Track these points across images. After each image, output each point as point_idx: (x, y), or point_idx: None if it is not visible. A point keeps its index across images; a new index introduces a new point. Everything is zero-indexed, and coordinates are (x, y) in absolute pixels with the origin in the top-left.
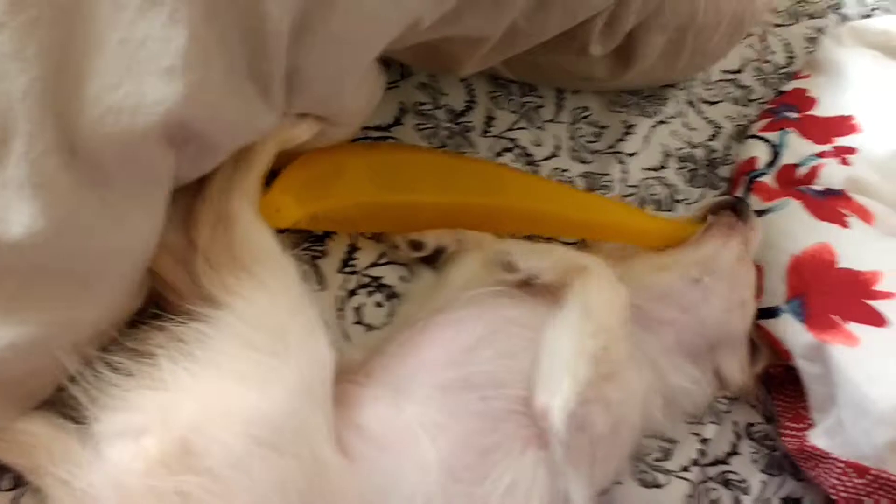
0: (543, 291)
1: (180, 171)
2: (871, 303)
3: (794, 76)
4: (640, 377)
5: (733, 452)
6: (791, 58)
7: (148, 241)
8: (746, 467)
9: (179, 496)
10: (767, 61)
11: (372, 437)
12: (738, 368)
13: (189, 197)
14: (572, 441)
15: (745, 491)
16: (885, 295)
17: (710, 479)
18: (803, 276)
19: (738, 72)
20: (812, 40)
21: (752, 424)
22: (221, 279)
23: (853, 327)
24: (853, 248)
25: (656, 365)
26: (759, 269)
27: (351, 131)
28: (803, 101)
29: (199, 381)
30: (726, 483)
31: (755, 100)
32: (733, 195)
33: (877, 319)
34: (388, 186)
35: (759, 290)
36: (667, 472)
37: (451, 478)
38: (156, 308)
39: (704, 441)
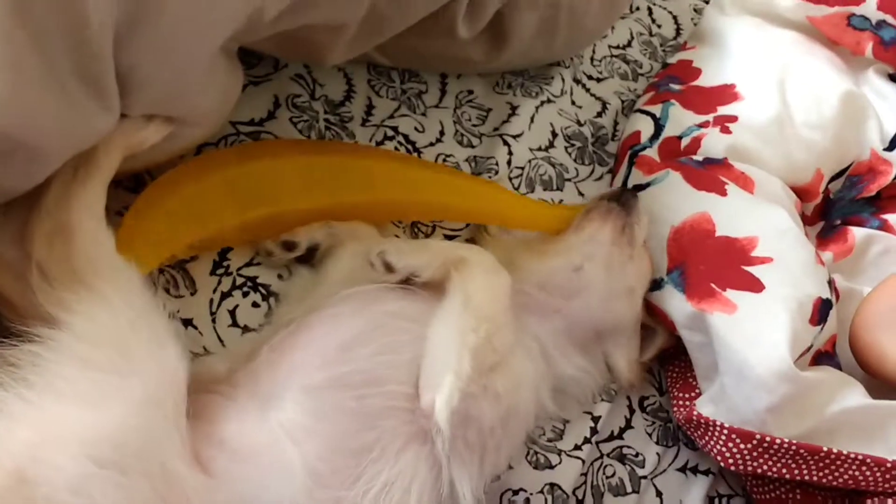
0: (428, 286)
1: (10, 182)
2: (749, 269)
3: (680, 48)
4: (530, 363)
5: (627, 427)
6: (679, 30)
7: None
8: (641, 441)
9: None
10: (655, 34)
11: (234, 450)
12: (625, 362)
13: (25, 208)
14: (459, 436)
15: (640, 464)
16: (762, 260)
17: (605, 455)
18: (682, 247)
19: (627, 46)
20: (699, 11)
21: (645, 398)
22: (58, 295)
23: (731, 294)
24: (731, 215)
25: (545, 352)
26: (645, 244)
27: (209, 131)
28: (688, 72)
29: (33, 407)
30: (621, 458)
31: (643, 74)
32: (621, 186)
33: (754, 285)
34: (250, 202)
35: None
36: (559, 451)
37: (317, 483)
38: None
39: (596, 419)
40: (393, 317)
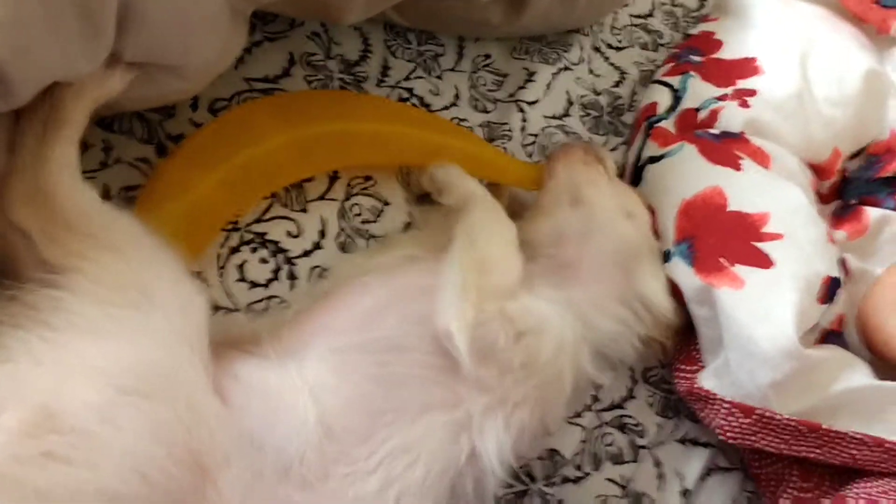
0: None
1: None
2: (759, 245)
3: (703, 19)
4: (566, 323)
5: (629, 397)
6: (702, 1)
7: None
8: (642, 411)
9: (46, 458)
10: (678, 5)
11: (249, 386)
12: (658, 286)
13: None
14: (479, 373)
15: (641, 434)
16: (773, 236)
17: (606, 423)
18: (693, 220)
19: (649, 16)
20: None
21: (648, 369)
22: (65, 247)
23: (739, 269)
24: (744, 190)
25: (581, 313)
26: (653, 213)
27: (195, 88)
28: (709, 44)
29: (56, 346)
30: (622, 427)
31: (664, 44)
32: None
33: (763, 261)
34: (234, 146)
35: (655, 234)
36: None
37: (327, 436)
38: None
39: (598, 387)
40: (419, 289)
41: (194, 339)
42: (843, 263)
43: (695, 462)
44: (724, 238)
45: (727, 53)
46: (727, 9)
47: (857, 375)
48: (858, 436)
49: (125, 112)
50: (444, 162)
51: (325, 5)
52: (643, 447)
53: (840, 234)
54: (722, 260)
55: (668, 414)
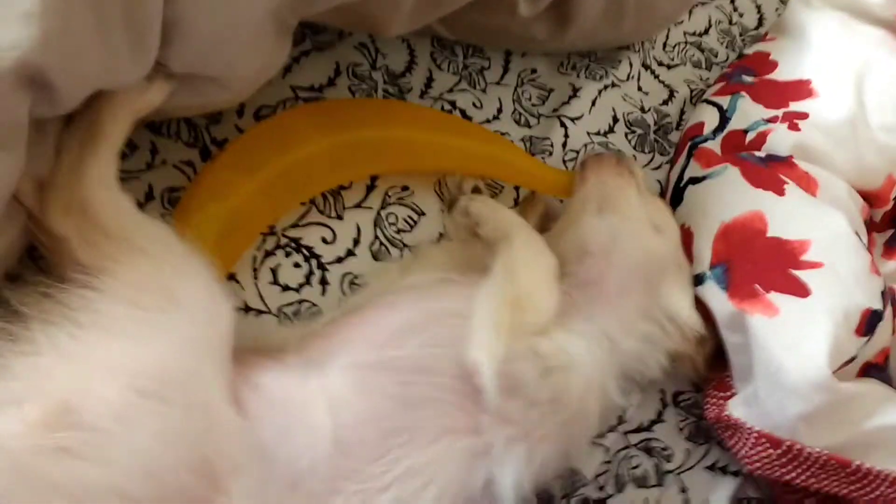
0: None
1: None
2: (797, 273)
3: (760, 39)
4: (591, 354)
5: (658, 420)
6: (761, 20)
7: (5, 179)
8: (671, 435)
9: (62, 452)
10: (735, 23)
11: (268, 398)
12: (684, 303)
13: None
14: (504, 406)
15: (668, 458)
16: (812, 265)
17: (632, 445)
18: (730, 244)
19: (703, 34)
20: (785, 2)
21: (680, 392)
22: (99, 250)
23: (774, 297)
24: (786, 216)
25: (607, 334)
26: (689, 235)
27: (239, 98)
28: (764, 64)
29: (82, 343)
30: (648, 450)
31: (718, 63)
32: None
33: (800, 290)
34: (274, 152)
35: (689, 257)
36: None
37: (340, 451)
38: (41, 274)
39: (625, 409)
40: (448, 313)
41: (217, 346)
42: (890, 294)
43: (722, 490)
44: (760, 264)
45: (781, 75)
46: (785, 29)
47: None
48: (893, 476)
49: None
50: (476, 196)
51: (370, 17)
52: (669, 472)
53: (891, 264)
54: (757, 286)
55: (698, 440)
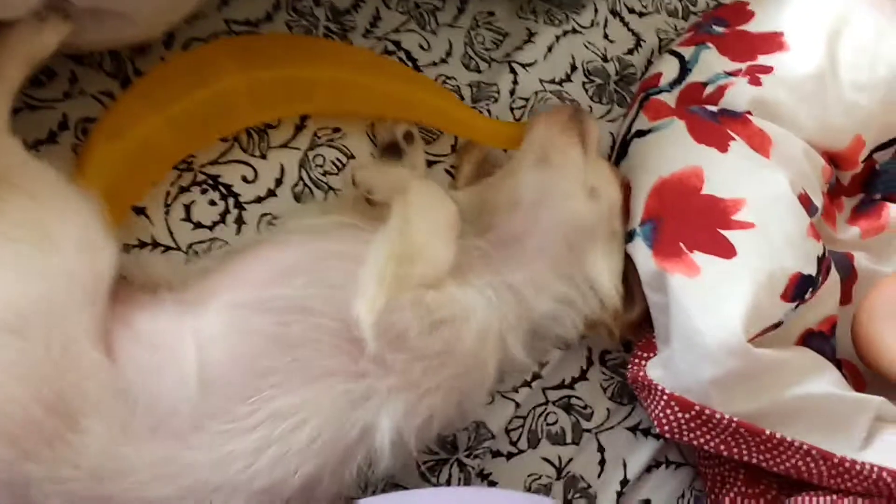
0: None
1: None
2: (725, 232)
3: None
4: (489, 308)
5: (581, 378)
6: None
7: None
8: (593, 394)
9: None
10: None
11: (137, 336)
12: (606, 274)
13: None
14: (388, 356)
15: (587, 417)
16: (742, 225)
17: (550, 402)
18: (663, 200)
19: None
20: None
21: (607, 352)
22: None
23: (697, 256)
24: (724, 173)
25: (514, 289)
26: (628, 190)
27: (150, 34)
28: (740, 14)
29: None
30: (567, 407)
31: (697, 12)
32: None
33: (725, 250)
34: (189, 85)
35: (628, 213)
36: (495, 391)
37: (207, 390)
38: None
39: (542, 364)
40: (338, 255)
41: (91, 286)
42: (846, 261)
43: (642, 452)
44: (689, 222)
45: (755, 26)
46: None
47: (822, 382)
48: (805, 446)
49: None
50: (361, 166)
51: None
52: (587, 430)
53: (853, 230)
54: (681, 245)
55: (622, 400)
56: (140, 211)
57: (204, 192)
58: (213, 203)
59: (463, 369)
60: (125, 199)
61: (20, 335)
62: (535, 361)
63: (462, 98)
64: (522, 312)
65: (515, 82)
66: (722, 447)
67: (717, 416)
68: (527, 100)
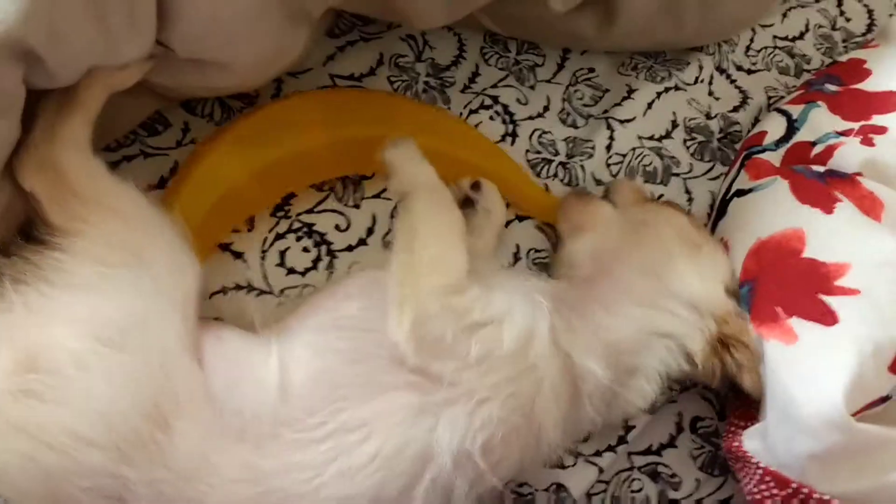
0: None
1: (33, 82)
2: (827, 298)
3: (862, 46)
4: (535, 314)
5: (670, 444)
6: (871, 26)
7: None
8: (682, 462)
9: (24, 394)
10: (839, 28)
11: (228, 348)
12: (695, 280)
13: None
14: (435, 367)
15: (675, 487)
16: (847, 291)
17: (636, 468)
18: (762, 261)
19: (798, 38)
20: None
21: (699, 419)
22: (70, 211)
23: (795, 322)
24: (829, 236)
25: (576, 308)
26: (727, 249)
27: (247, 85)
28: (855, 72)
29: (50, 299)
30: (654, 475)
31: (810, 70)
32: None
33: (826, 317)
34: (275, 140)
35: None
36: (577, 454)
37: (283, 400)
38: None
39: (629, 428)
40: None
41: (180, 301)
42: None
43: None
44: (788, 286)
45: (872, 85)
46: (890, 35)
47: None
48: None
49: (207, 97)
50: (402, 137)
51: (399, 7)
52: (675, 501)
53: None
54: (778, 310)
55: (713, 471)
56: (238, 255)
57: (299, 239)
58: (306, 250)
59: (512, 373)
60: (205, 241)
61: (120, 349)
62: (616, 376)
63: (557, 152)
64: (587, 326)
65: (612, 138)
66: None
67: (816, 496)
68: (624, 156)
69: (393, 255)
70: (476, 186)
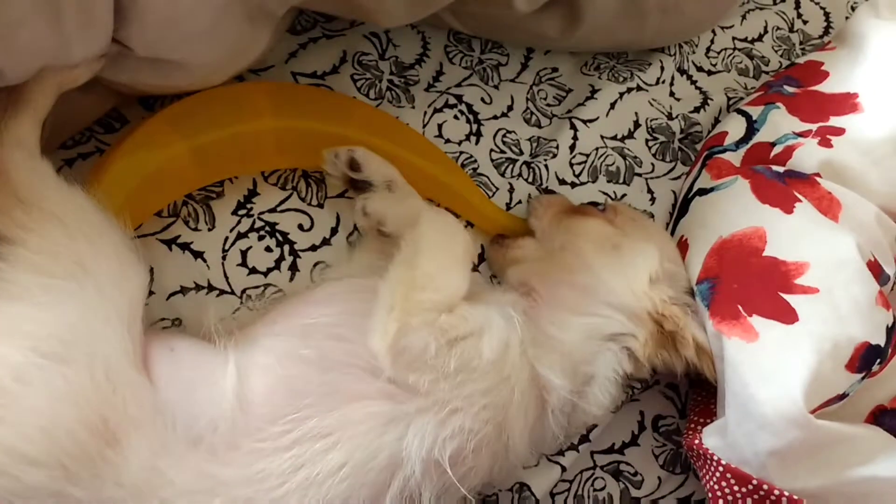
0: None
1: None
2: (787, 296)
3: (819, 48)
4: (511, 325)
5: (632, 443)
6: (828, 28)
7: None
8: (644, 461)
9: None
10: (797, 30)
11: (181, 358)
12: (620, 282)
13: None
14: (410, 378)
15: (637, 485)
16: (806, 290)
17: (599, 466)
18: (723, 260)
19: (756, 40)
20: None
21: (661, 417)
22: (14, 219)
23: (756, 321)
24: (789, 236)
25: (535, 321)
26: (685, 247)
27: (206, 83)
28: (813, 74)
29: None
30: (616, 473)
31: (769, 72)
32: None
33: (786, 315)
34: (221, 120)
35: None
36: (539, 454)
37: (242, 409)
38: None
39: (590, 427)
40: (366, 289)
41: (125, 310)
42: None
43: None
44: (749, 284)
45: (829, 87)
46: (846, 38)
47: (892, 465)
48: None
49: (166, 95)
50: (371, 193)
51: (360, 5)
52: (637, 499)
53: None
54: (739, 307)
55: (674, 469)
56: (199, 255)
57: (261, 238)
58: (268, 249)
59: (487, 384)
60: (139, 211)
61: (63, 362)
62: (574, 386)
63: (521, 152)
64: (545, 340)
65: (575, 138)
66: None
67: (776, 492)
68: (587, 155)
69: (391, 266)
70: (355, 165)
